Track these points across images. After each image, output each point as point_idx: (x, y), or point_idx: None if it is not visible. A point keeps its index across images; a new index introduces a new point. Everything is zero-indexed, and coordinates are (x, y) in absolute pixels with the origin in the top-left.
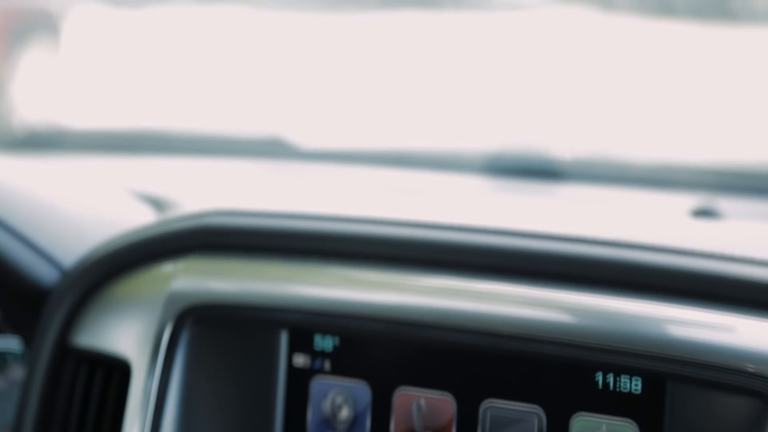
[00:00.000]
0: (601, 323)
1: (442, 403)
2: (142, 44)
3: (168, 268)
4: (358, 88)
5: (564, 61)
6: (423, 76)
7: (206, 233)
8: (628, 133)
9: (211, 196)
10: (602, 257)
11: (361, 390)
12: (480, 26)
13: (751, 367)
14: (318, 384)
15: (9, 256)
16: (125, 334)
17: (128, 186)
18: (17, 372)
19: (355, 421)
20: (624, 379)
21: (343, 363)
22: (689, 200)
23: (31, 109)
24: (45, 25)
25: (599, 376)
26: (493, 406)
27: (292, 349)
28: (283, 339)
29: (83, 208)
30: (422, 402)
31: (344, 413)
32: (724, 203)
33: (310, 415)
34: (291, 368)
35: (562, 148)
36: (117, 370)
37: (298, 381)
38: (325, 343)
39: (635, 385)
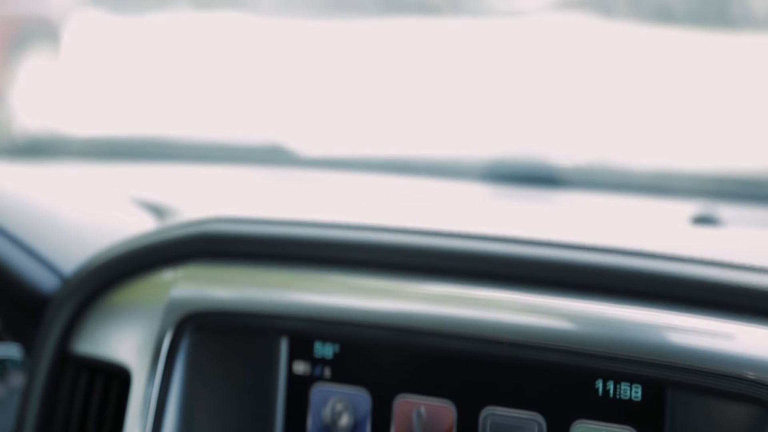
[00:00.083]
0: (602, 330)
1: (442, 410)
2: (142, 51)
3: (168, 275)
4: (358, 95)
5: (564, 67)
6: (423, 83)
7: (206, 240)
8: (629, 140)
9: (211, 203)
10: (602, 264)
11: (362, 397)
12: (480, 33)
13: (750, 374)
14: (318, 391)
15: (9, 263)
16: (125, 341)
17: (128, 193)
18: (17, 379)
19: (355, 429)
20: (624, 387)
21: (343, 370)
22: (689, 207)
23: (32, 116)
24: (45, 32)
25: (599, 384)
26: (493, 414)
27: (292, 356)
28: (283, 346)
29: (83, 215)
30: (422, 409)
31: (344, 420)
32: (724, 210)
33: (310, 422)
34: (291, 375)
35: (562, 155)
36: (117, 378)
37: (298, 388)
38: (325, 350)
39: (635, 392)
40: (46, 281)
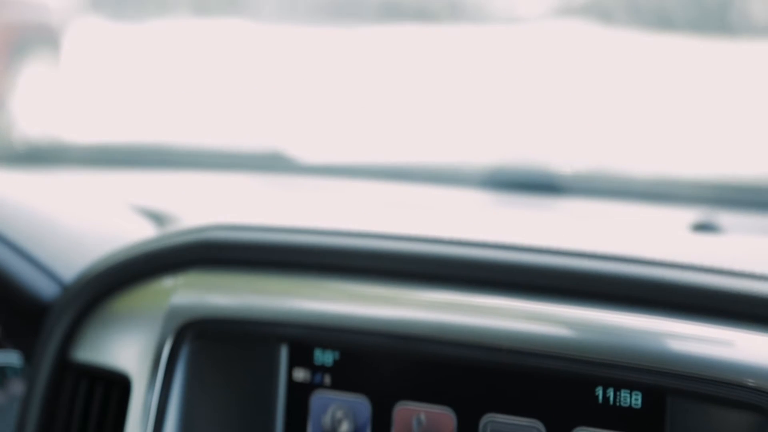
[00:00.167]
0: (602, 338)
1: (442, 417)
2: (142, 57)
3: (168, 282)
4: (357, 102)
5: (564, 74)
6: (423, 90)
7: (206, 248)
8: (629, 148)
9: (211, 210)
10: (602, 272)
11: (362, 404)
12: (480, 39)
13: (751, 382)
14: (318, 398)
15: (9, 270)
16: (125, 348)
17: (128, 200)
18: (17, 387)
19: None
20: (624, 394)
21: (343, 377)
22: (689, 214)
23: (32, 122)
24: (45, 38)
25: (599, 391)
26: (493, 421)
27: (292, 363)
28: (283, 353)
29: (83, 222)
30: (422, 416)
31: (344, 428)
32: (725, 217)
33: (310, 429)
34: (291, 383)
35: (562, 162)
36: (117, 385)
37: (298, 395)
38: (325, 357)
39: (635, 399)
40: (46, 288)
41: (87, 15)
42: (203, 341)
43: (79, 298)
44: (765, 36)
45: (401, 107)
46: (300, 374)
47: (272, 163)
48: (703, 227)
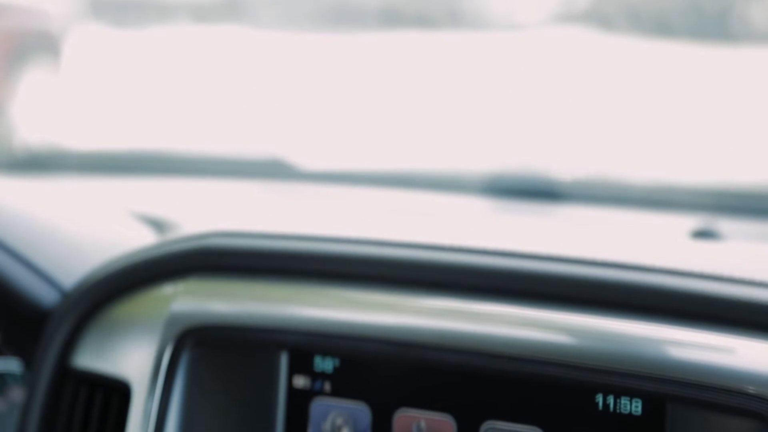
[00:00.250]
0: (602, 344)
1: (442, 424)
2: (142, 64)
3: (168, 289)
4: (358, 109)
5: (564, 81)
6: (423, 97)
7: (206, 254)
8: (628, 154)
9: (211, 217)
10: (602, 279)
11: (362, 411)
12: (480, 46)
13: (751, 389)
14: (318, 405)
15: (9, 277)
16: (125, 355)
17: (128, 207)
18: (17, 394)
19: None
20: (624, 401)
21: (344, 384)
22: (689, 221)
23: (31, 129)
24: (45, 45)
25: (599, 398)
26: (493, 428)
27: (292, 370)
28: (283, 360)
29: (83, 229)
30: (422, 423)
31: None
32: (724, 224)
33: None
34: (291, 389)
35: (562, 168)
36: (117, 392)
37: (299, 402)
38: (325, 364)
39: (635, 406)
40: (46, 295)
41: (87, 21)
42: (203, 348)
43: (79, 305)
44: (764, 42)
45: (401, 114)
46: (300, 381)
47: (272, 170)
48: (702, 234)
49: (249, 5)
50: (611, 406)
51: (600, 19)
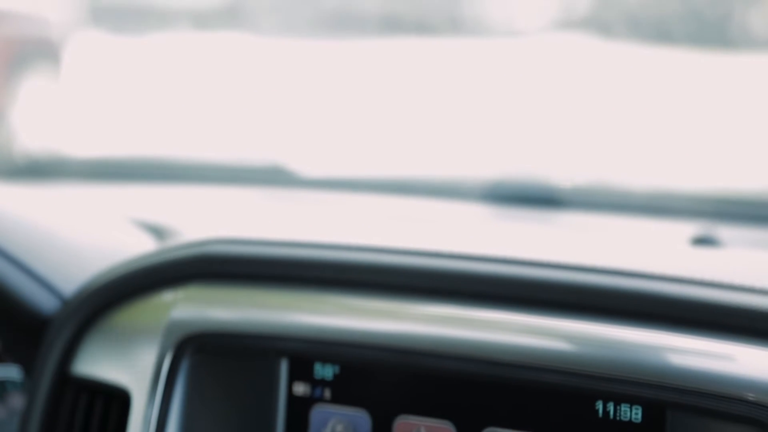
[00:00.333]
0: (602, 351)
1: (442, 431)
2: (143, 72)
3: (168, 296)
4: (358, 116)
5: (563, 88)
6: (424, 104)
7: (206, 261)
8: (628, 161)
9: (211, 224)
10: (603, 285)
11: (362, 418)
12: (480, 53)
13: (751, 396)
14: (318, 412)
15: (9, 284)
16: (125, 362)
17: (128, 214)
18: (17, 401)
19: None
20: (624, 408)
21: (344, 391)
22: (689, 228)
23: (32, 136)
24: (45, 52)
25: (599, 405)
26: None
27: (292, 377)
28: (283, 367)
29: (83, 236)
30: (422, 430)
31: None
32: (724, 231)
33: None
34: (291, 397)
35: (561, 175)
36: (117, 399)
37: (298, 409)
38: (325, 371)
39: (635, 413)
40: (46, 302)
41: (87, 28)
42: (203, 355)
43: (79, 312)
44: (763, 49)
45: (401, 121)
46: (300, 388)
47: (272, 177)
48: (702, 241)
49: (249, 11)
50: (611, 413)
51: (600, 25)
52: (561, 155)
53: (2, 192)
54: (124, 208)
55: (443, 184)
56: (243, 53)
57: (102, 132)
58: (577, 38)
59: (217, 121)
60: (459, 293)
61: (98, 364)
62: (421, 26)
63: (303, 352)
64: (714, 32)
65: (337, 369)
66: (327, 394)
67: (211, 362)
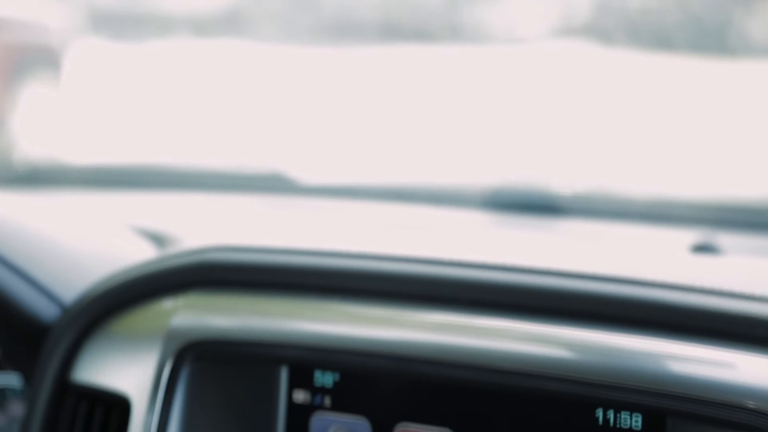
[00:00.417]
0: (602, 359)
1: None
2: (143, 79)
3: (168, 304)
4: (358, 123)
5: (563, 95)
6: (423, 111)
7: (206, 269)
8: (628, 169)
9: (211, 231)
10: (602, 293)
11: (362, 426)
12: (480, 61)
13: (751, 404)
14: (318, 420)
15: (9, 292)
16: (125, 370)
17: (129, 221)
18: (17, 408)
19: None
20: (624, 416)
21: (344, 399)
22: (689, 236)
23: (32, 144)
24: (45, 60)
25: (599, 413)
26: None
27: (292, 385)
28: (283, 375)
29: (83, 243)
30: None
31: None
32: (724, 239)
33: None
34: (291, 404)
35: (562, 183)
36: (117, 407)
37: (298, 417)
38: (325, 379)
39: (635, 421)
40: (46, 310)
41: (87, 35)
42: (203, 363)
43: (79, 320)
44: (763, 56)
45: (401, 128)
46: (300, 396)
47: (273, 184)
48: (702, 248)
49: (249, 19)
50: (611, 420)
51: (600, 32)
52: (561, 162)
53: (2, 199)
54: (124, 215)
55: (443, 192)
56: (243, 60)
57: (102, 139)
58: (577, 45)
59: (217, 128)
60: (459, 301)
61: (98, 372)
62: (421, 33)
63: (303, 359)
64: (714, 39)
65: (337, 376)
66: (327, 401)
67: (211, 370)
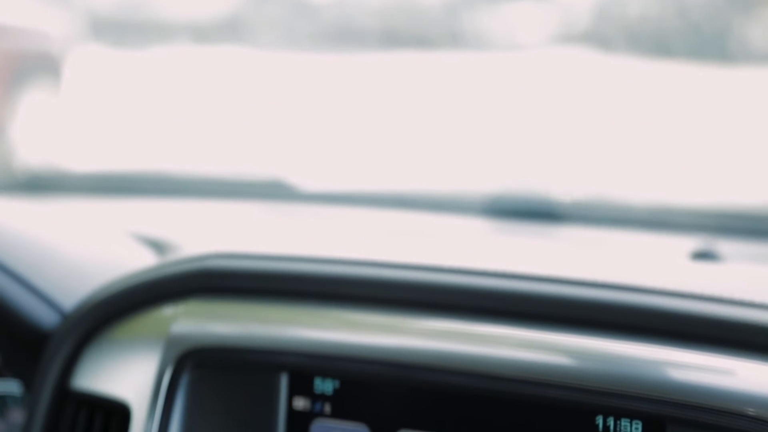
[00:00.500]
0: (602, 366)
1: None
2: (143, 86)
3: (168, 311)
4: (358, 130)
5: (564, 102)
6: (423, 118)
7: (206, 276)
8: (628, 176)
9: (211, 238)
10: (602, 300)
11: None
12: (480, 68)
13: (751, 411)
14: (318, 427)
15: (9, 299)
16: (125, 377)
17: (129, 228)
18: (17, 416)
19: None
20: (624, 423)
21: (344, 406)
22: (689, 243)
23: (32, 151)
24: (46, 67)
25: (599, 420)
26: None
27: (292, 392)
28: (283, 382)
29: (84, 250)
30: None
31: None
32: (724, 246)
33: None
34: (291, 411)
35: (561, 190)
36: (117, 414)
37: (299, 424)
38: (325, 386)
39: (635, 428)
40: (46, 317)
41: (87, 43)
42: (203, 370)
43: (79, 327)
44: (762, 63)
45: (401, 135)
46: (300, 403)
47: (273, 191)
48: (702, 255)
49: (249, 26)
50: (611, 428)
51: (600, 39)
52: (561, 169)
53: (2, 206)
54: (124, 222)
55: (443, 199)
56: (243, 67)
57: (102, 146)
58: (577, 52)
59: (217, 135)
60: (459, 308)
61: (98, 379)
62: (421, 40)
63: (303, 366)
64: (713, 46)
65: (337, 383)
66: (327, 408)
67: (211, 377)
